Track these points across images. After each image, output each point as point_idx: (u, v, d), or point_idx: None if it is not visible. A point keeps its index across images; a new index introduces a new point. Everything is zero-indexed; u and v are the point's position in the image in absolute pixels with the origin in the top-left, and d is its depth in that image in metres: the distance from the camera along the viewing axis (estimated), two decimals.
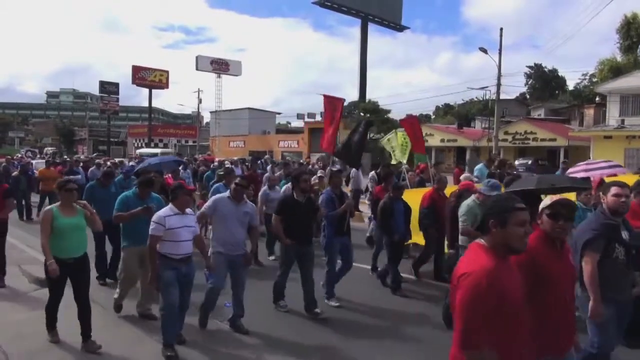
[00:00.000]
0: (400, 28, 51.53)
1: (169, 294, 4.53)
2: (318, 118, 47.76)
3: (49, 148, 58.55)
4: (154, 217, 4.61)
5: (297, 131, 56.38)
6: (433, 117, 65.87)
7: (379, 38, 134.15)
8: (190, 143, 59.89)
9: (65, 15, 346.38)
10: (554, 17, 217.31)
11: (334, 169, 7.91)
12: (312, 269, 5.87)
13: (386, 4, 46.30)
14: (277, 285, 5.97)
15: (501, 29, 28.59)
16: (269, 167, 14.71)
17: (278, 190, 8.88)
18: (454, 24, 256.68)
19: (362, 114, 41.42)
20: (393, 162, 12.10)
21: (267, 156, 28.66)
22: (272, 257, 8.48)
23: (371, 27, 46.99)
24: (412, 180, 10.37)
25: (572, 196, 6.25)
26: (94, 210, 4.95)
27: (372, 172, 11.57)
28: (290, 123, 70.44)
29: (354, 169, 13.83)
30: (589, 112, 34.75)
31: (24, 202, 13.33)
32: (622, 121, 26.86)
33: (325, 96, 7.64)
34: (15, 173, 13.58)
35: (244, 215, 5.23)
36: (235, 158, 20.89)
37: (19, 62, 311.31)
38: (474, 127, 45.58)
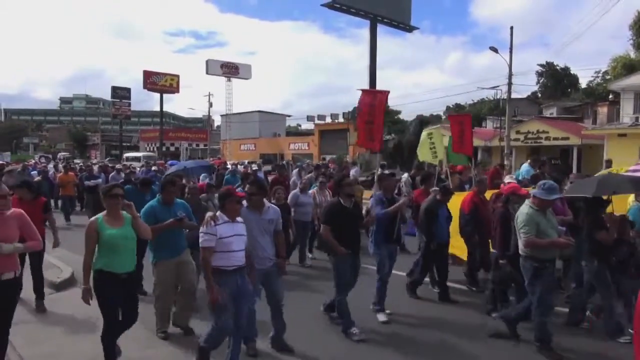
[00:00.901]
0: (410, 29, 51.32)
1: (222, 319, 4.15)
2: (328, 120, 47.79)
3: (63, 153, 59.36)
4: (203, 228, 4.21)
5: (307, 133, 56.46)
6: (444, 117, 65.49)
7: (388, 39, 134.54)
8: (202, 147, 60.27)
9: (77, 22, 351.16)
10: (563, 15, 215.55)
11: (386, 171, 7.35)
12: (355, 281, 5.51)
13: (395, 5, 46.15)
14: (341, 306, 5.31)
15: (511, 28, 28.38)
16: (295, 171, 14.44)
17: (309, 194, 8.68)
18: (463, 24, 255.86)
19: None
20: (431, 160, 10.97)
21: (288, 159, 28.18)
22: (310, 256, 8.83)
23: (380, 28, 46.89)
24: (455, 183, 9.57)
25: (630, 197, 6.16)
26: (137, 215, 4.41)
27: (406, 175, 10.96)
28: (300, 125, 70.79)
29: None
30: (603, 110, 34.28)
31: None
32: (637, 119, 26.45)
33: (365, 91, 6.92)
34: (37, 178, 13.57)
35: (268, 223, 4.78)
36: (259, 161, 20.45)
37: (33, 69, 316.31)
38: (485, 127, 45.22)
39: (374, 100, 6.74)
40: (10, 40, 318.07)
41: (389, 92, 6.87)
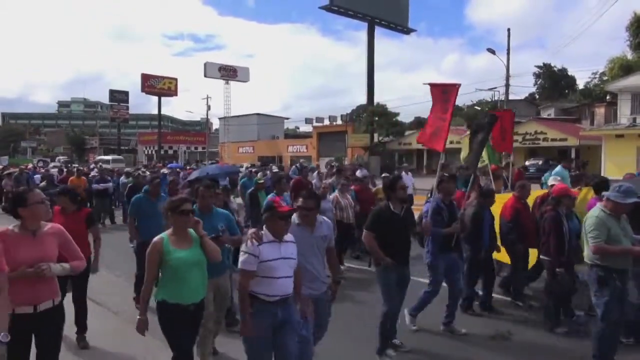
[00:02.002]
0: (408, 30, 51.39)
1: (256, 355, 3.53)
2: (326, 122, 47.82)
3: (61, 157, 59.26)
4: (244, 247, 3.49)
5: (305, 136, 56.48)
6: None
7: (385, 41, 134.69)
8: (200, 149, 60.25)
9: (76, 25, 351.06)
10: (560, 17, 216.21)
11: (447, 173, 6.58)
12: (404, 295, 4.98)
13: (393, 7, 46.25)
14: (385, 324, 4.77)
15: (509, 30, 28.55)
16: (315, 174, 13.65)
17: (329, 199, 8.26)
18: (459, 27, 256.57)
19: (372, 117, 41.34)
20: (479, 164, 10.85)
21: (302, 160, 27.52)
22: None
23: (378, 30, 46.97)
24: (499, 185, 8.91)
25: None
26: (205, 233, 3.72)
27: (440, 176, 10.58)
28: (298, 128, 70.75)
29: (402, 173, 13.10)
30: (600, 111, 34.40)
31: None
32: (634, 119, 26.54)
33: (434, 85, 6.23)
34: (43, 184, 13.32)
35: (321, 240, 4.04)
36: (282, 164, 19.52)
37: (31, 73, 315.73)
38: None
39: (444, 94, 6.01)
40: (8, 44, 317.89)
41: (459, 85, 6.12)
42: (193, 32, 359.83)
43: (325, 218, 4.20)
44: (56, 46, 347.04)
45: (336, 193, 8.62)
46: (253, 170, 15.56)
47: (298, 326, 3.68)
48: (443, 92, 6.08)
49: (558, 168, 10.15)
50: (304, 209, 3.85)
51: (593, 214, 4.54)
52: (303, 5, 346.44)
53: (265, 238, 3.50)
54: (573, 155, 29.91)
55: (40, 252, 3.21)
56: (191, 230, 3.63)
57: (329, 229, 4.12)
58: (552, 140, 31.98)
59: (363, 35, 47.17)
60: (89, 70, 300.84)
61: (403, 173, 13.25)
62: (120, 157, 51.35)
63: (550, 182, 7.09)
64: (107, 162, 40.70)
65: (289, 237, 3.60)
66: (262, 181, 9.65)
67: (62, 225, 3.61)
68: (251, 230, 3.58)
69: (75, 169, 16.91)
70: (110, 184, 13.63)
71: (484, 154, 9.53)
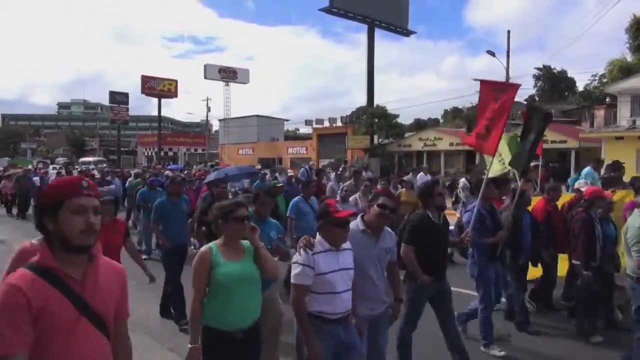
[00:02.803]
0: (407, 32, 51.43)
1: None
2: (326, 124, 47.83)
3: (61, 158, 59.29)
4: (296, 257, 3.07)
5: (305, 137, 56.50)
6: (442, 120, 65.66)
7: (384, 44, 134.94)
8: (200, 151, 60.27)
9: (77, 27, 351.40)
10: (558, 20, 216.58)
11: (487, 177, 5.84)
12: (452, 310, 4.52)
13: (393, 9, 46.26)
14: (403, 337, 4.30)
15: (508, 32, 28.60)
16: (332, 176, 13.10)
17: (351, 202, 7.86)
18: (458, 29, 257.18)
19: (373, 118, 41.36)
20: (497, 170, 10.42)
21: (311, 162, 26.63)
22: None
23: (377, 32, 46.99)
24: (527, 188, 8.37)
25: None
26: (262, 244, 3.08)
27: (464, 179, 9.74)
28: (298, 129, 70.73)
29: (421, 174, 12.85)
30: (600, 113, 34.41)
31: None
32: (634, 122, 26.56)
33: (485, 82, 5.54)
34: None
35: (384, 253, 3.57)
36: (307, 165, 17.38)
37: (31, 74, 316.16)
38: None
39: (496, 93, 5.34)
40: (8, 45, 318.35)
41: (518, 85, 5.49)
42: (193, 34, 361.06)
43: (389, 230, 3.69)
44: (56, 47, 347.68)
45: (357, 195, 8.24)
46: (263, 172, 14.97)
47: (360, 350, 3.21)
48: (494, 91, 5.44)
49: (587, 169, 9.70)
50: (386, 208, 3.38)
51: (634, 224, 4.20)
52: (303, 7, 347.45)
53: (319, 246, 3.04)
54: (573, 157, 29.91)
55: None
56: (244, 241, 3.04)
57: (392, 240, 3.68)
58: (552, 142, 31.96)
59: (363, 37, 47.31)
60: (89, 72, 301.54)
61: (421, 174, 12.91)
62: (103, 158, 53.11)
63: (580, 185, 6.70)
64: (89, 163, 41.57)
65: (347, 244, 3.18)
66: (280, 184, 8.98)
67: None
68: (304, 237, 3.13)
69: (82, 171, 16.91)
70: (113, 186, 13.21)
71: (505, 155, 9.33)
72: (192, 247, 8.34)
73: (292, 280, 3.02)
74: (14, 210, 16.52)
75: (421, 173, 12.99)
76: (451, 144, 38.98)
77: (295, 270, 3.01)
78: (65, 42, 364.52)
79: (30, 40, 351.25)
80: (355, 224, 3.43)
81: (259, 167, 18.86)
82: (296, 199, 7.17)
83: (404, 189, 9.84)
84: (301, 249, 3.03)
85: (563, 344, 5.28)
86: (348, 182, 9.99)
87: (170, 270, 5.65)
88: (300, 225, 6.71)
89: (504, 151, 9.38)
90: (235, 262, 2.92)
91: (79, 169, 19.42)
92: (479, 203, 5.07)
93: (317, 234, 3.14)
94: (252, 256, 3.00)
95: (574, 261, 5.44)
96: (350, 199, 8.00)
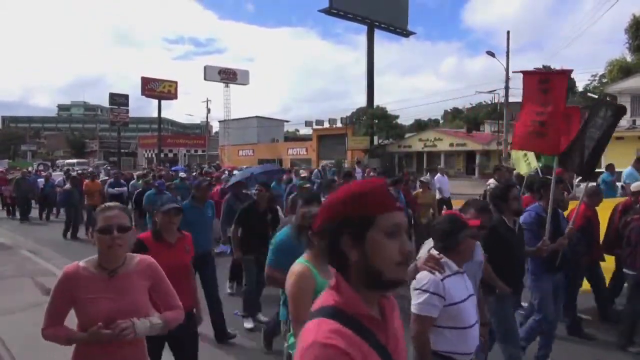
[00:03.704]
0: (407, 33, 51.48)
1: None
2: (326, 125, 47.87)
3: (61, 160, 59.33)
4: (422, 282, 2.48)
5: (305, 138, 56.53)
6: (442, 121, 65.70)
7: (384, 45, 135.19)
8: (200, 152, 60.30)
9: (77, 29, 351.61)
10: (556, 22, 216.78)
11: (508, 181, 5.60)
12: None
13: (392, 10, 46.32)
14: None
15: (508, 32, 28.54)
16: (359, 177, 12.34)
17: None
18: (456, 31, 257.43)
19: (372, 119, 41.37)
20: (523, 170, 9.23)
21: (326, 162, 25.65)
22: None
23: (377, 33, 47.05)
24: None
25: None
26: None
27: (492, 180, 9.22)
28: (298, 131, 70.74)
29: (438, 175, 12.25)
30: None
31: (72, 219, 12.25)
32: (634, 122, 26.59)
33: (529, 73, 4.97)
34: (67, 186, 12.90)
35: (479, 269, 3.17)
36: (320, 166, 16.94)
37: (31, 76, 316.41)
38: (483, 131, 45.36)
39: (542, 84, 4.70)
40: (8, 48, 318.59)
41: (569, 71, 4.92)
42: (193, 36, 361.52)
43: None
44: (56, 50, 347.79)
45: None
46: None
47: None
48: (540, 82, 4.80)
49: (629, 169, 9.11)
50: (480, 228, 2.73)
51: None
52: (303, 9, 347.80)
53: (447, 269, 2.48)
54: None
55: (122, 301, 2.14)
56: None
57: (482, 254, 3.23)
58: None
59: (362, 39, 47.44)
60: (89, 74, 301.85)
61: (438, 175, 12.29)
62: (84, 160, 53.87)
63: (635, 187, 6.22)
64: (73, 164, 41.95)
65: (477, 258, 2.74)
66: (307, 185, 8.25)
67: (161, 259, 2.47)
68: (429, 256, 2.52)
69: (89, 172, 16.08)
70: (125, 189, 12.97)
71: (535, 161, 8.78)
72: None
73: (414, 310, 2.46)
74: (17, 214, 16.35)
75: (438, 174, 12.26)
76: (451, 145, 39.00)
77: (419, 298, 2.45)
78: (66, 44, 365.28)
79: (30, 43, 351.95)
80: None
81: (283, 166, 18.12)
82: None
83: (420, 190, 9.57)
84: (427, 271, 2.45)
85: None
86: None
87: (211, 288, 5.26)
88: None
89: (530, 152, 8.82)
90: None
91: (75, 171, 18.81)
92: (538, 205, 4.67)
93: (435, 252, 2.58)
94: None
95: (628, 271, 5.19)
96: None
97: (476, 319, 2.57)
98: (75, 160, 50.46)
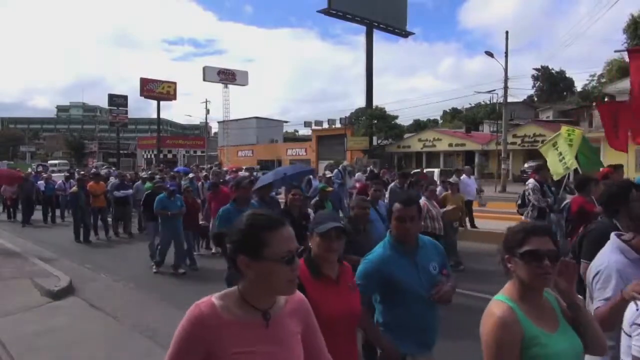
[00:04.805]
0: (406, 34, 51.48)
1: None
2: (325, 125, 47.88)
3: (60, 161, 59.35)
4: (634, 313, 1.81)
5: (304, 139, 56.57)
6: (441, 121, 65.76)
7: (382, 46, 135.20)
8: (199, 153, 60.26)
9: (77, 30, 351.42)
10: (553, 22, 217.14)
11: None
12: None
13: (391, 10, 46.33)
14: None
15: (507, 32, 28.53)
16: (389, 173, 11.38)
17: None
18: (453, 31, 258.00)
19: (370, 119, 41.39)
20: (560, 172, 8.51)
21: (345, 163, 23.99)
22: None
23: (375, 35, 47.07)
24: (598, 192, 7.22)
25: None
26: (579, 299, 1.83)
27: (532, 180, 8.35)
28: (297, 131, 70.78)
29: (464, 176, 11.47)
30: (598, 113, 34.42)
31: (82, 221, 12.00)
32: None
33: (633, 51, 4.00)
34: (74, 188, 12.57)
35: None
36: (340, 166, 16.04)
37: (30, 78, 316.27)
38: (482, 131, 45.39)
39: None
40: (8, 49, 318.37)
41: None
42: (193, 37, 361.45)
43: None
44: (55, 51, 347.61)
45: (422, 200, 7.31)
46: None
47: None
48: None
49: None
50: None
51: None
52: (302, 10, 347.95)
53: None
54: None
55: (281, 358, 1.50)
56: (548, 294, 1.84)
57: None
58: None
59: (361, 39, 47.35)
60: (88, 75, 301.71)
61: (464, 176, 11.49)
62: (64, 161, 54.73)
63: None
64: (55, 165, 42.28)
65: None
66: (330, 188, 7.75)
67: (321, 304, 2.05)
68: (636, 284, 1.98)
69: (93, 173, 15.20)
70: (131, 191, 12.72)
71: (572, 160, 8.25)
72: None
73: (635, 353, 1.77)
74: (17, 216, 16.16)
75: (464, 175, 11.48)
76: (450, 145, 39.02)
77: None
78: (65, 45, 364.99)
79: (29, 44, 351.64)
80: (618, 247, 2.38)
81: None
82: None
83: (448, 192, 8.84)
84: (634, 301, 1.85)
85: None
86: (393, 183, 8.91)
87: None
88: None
89: (565, 149, 8.44)
90: (553, 334, 1.73)
91: (98, 173, 17.72)
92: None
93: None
94: (564, 321, 1.80)
95: None
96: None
97: None
98: (57, 161, 50.71)
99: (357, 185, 13.02)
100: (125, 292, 7.17)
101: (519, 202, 8.50)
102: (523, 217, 8.09)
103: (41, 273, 7.91)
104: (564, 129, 8.82)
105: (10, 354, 4.67)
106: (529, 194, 8.11)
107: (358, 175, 15.68)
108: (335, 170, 13.37)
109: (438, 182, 10.57)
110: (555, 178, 8.60)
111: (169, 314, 6.06)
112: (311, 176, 10.25)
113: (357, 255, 3.08)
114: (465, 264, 8.35)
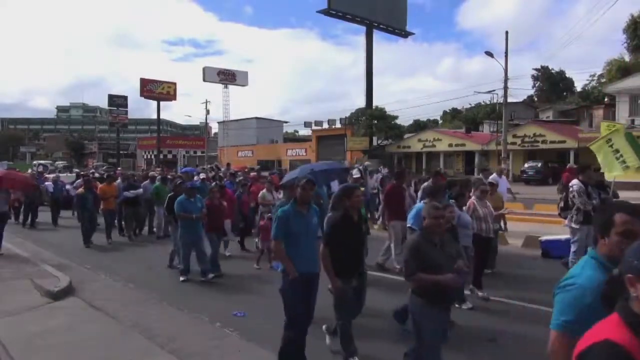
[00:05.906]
0: (406, 34, 51.48)
1: None
2: (325, 126, 47.86)
3: (60, 162, 59.37)
4: None
5: (304, 139, 56.56)
6: (441, 122, 65.75)
7: (381, 47, 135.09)
8: (199, 154, 60.26)
9: (77, 30, 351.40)
10: (553, 22, 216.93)
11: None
12: None
13: (391, 11, 46.33)
14: None
15: (506, 32, 28.55)
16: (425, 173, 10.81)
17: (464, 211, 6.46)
18: (453, 32, 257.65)
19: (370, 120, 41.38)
20: (616, 171, 8.04)
21: (367, 163, 23.36)
22: None
23: (375, 35, 47.06)
24: None
25: None
26: None
27: (576, 182, 7.67)
28: (297, 132, 70.77)
29: (494, 176, 10.29)
30: (598, 113, 34.51)
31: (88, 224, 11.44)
32: (632, 121, 26.61)
33: None
34: (80, 190, 12.15)
35: None
36: (361, 165, 14.72)
37: (31, 78, 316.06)
38: (482, 131, 45.38)
39: None
40: (8, 49, 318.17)
41: None
42: (193, 38, 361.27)
43: None
44: (55, 51, 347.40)
45: (473, 200, 6.91)
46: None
47: None
48: None
49: None
50: None
51: None
52: (302, 10, 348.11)
53: None
54: (572, 157, 29.95)
55: None
56: None
57: None
58: (551, 142, 32.01)
59: (361, 40, 47.33)
60: (88, 76, 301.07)
61: (494, 175, 10.53)
62: (48, 161, 54.54)
63: None
64: (38, 165, 42.91)
65: None
66: (362, 189, 6.93)
67: None
68: None
69: (106, 175, 14.76)
70: (141, 190, 12.31)
71: (631, 155, 7.72)
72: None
73: None
74: (20, 218, 15.51)
75: (494, 174, 10.67)
76: (450, 145, 39.01)
77: None
78: (65, 45, 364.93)
79: (29, 45, 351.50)
80: None
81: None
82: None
83: (497, 194, 8.29)
84: None
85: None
86: (426, 183, 8.47)
87: (295, 311, 4.03)
88: None
89: (624, 147, 7.85)
90: None
91: (108, 173, 16.81)
92: None
93: None
94: None
95: None
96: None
97: None
98: (44, 162, 51.21)
99: (375, 185, 12.64)
100: (125, 292, 7.16)
101: (562, 204, 7.99)
102: (566, 222, 7.65)
103: (41, 273, 7.90)
104: (619, 125, 8.14)
105: (10, 354, 4.66)
106: (573, 196, 7.50)
107: (376, 176, 14.65)
108: (355, 169, 12.81)
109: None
110: (609, 178, 8.13)
111: (169, 314, 6.08)
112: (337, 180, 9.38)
113: (429, 272, 3.20)
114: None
